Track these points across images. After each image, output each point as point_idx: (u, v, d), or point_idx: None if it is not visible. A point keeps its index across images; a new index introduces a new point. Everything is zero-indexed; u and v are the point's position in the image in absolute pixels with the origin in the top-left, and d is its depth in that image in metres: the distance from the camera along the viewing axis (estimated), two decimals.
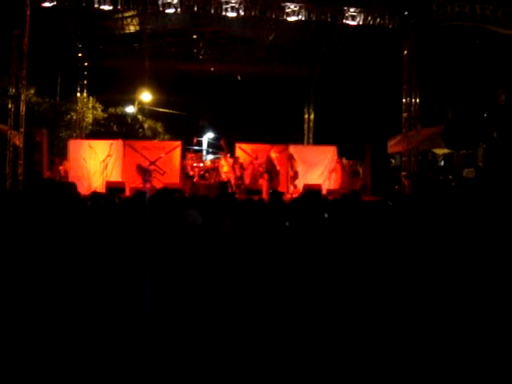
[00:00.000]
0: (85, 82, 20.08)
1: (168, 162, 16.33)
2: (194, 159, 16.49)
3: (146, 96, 28.66)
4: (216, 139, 32.74)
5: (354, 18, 14.49)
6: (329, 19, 14.66)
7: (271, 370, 3.21)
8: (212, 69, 20.85)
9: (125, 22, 17.76)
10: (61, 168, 15.84)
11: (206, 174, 16.17)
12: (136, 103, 28.70)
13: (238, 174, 15.76)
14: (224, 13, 14.03)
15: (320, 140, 20.47)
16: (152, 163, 16.05)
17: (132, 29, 18.27)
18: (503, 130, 15.56)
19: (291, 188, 16.13)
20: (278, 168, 15.92)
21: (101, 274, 3.79)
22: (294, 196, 13.89)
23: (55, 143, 19.54)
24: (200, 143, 32.97)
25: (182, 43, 19.15)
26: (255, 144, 17.40)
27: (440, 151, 19.70)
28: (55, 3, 13.63)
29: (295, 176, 16.25)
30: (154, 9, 14.36)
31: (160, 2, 13.77)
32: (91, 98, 21.82)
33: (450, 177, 17.66)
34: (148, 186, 14.64)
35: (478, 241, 4.41)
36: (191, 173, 15.98)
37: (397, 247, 4.30)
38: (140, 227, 4.30)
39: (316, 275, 3.88)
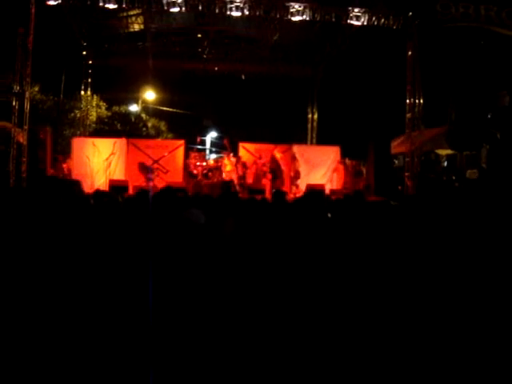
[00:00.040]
0: (89, 80, 20.06)
1: (171, 160, 16.35)
2: (197, 158, 16.51)
3: (149, 95, 28.69)
4: (219, 138, 32.77)
5: (358, 19, 14.48)
6: (333, 19, 14.66)
7: (273, 369, 3.22)
8: (216, 68, 20.84)
9: (129, 21, 17.77)
10: (64, 166, 15.86)
11: (210, 173, 16.20)
12: (140, 102, 28.72)
13: (241, 173, 15.76)
14: (228, 12, 14.04)
15: (323, 140, 20.46)
16: (155, 162, 16.06)
17: (136, 27, 18.28)
18: (507, 132, 15.53)
19: (293, 188, 16.13)
20: (282, 168, 15.93)
21: (104, 272, 3.80)
22: (296, 196, 13.88)
23: (59, 141, 19.56)
24: (203, 142, 32.99)
25: (186, 42, 19.15)
26: (259, 143, 17.42)
27: (443, 152, 19.67)
28: (60, 1, 13.66)
29: (297, 176, 16.23)
30: (158, 7, 14.39)
31: (165, 1, 13.79)
32: (95, 97, 21.85)
33: (454, 178, 17.65)
34: (151, 184, 14.64)
35: (481, 241, 4.41)
36: (194, 172, 16.00)
37: (400, 247, 4.30)
38: (143, 226, 4.31)
39: (319, 275, 3.89)
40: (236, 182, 15.46)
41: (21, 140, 13.94)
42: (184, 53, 19.71)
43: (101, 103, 22.73)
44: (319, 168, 16.75)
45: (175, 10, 14.10)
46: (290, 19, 14.42)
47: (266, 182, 15.61)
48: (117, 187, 13.97)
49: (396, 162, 20.98)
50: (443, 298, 3.69)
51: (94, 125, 21.81)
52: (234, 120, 30.31)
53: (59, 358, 3.20)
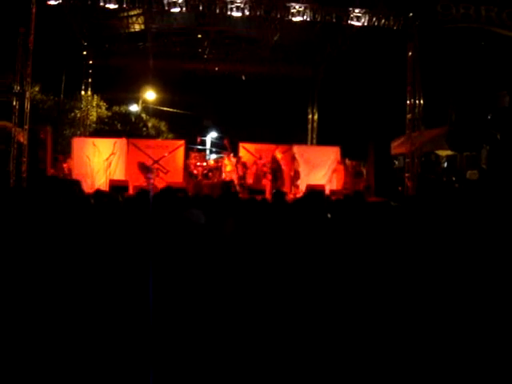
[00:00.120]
0: (89, 80, 20.05)
1: (171, 161, 16.35)
2: (197, 158, 16.53)
3: (150, 95, 28.69)
4: (219, 139, 32.76)
5: (358, 19, 14.47)
6: (334, 20, 14.65)
7: (272, 369, 3.22)
8: (217, 68, 20.83)
9: (130, 21, 17.77)
10: (64, 166, 15.86)
11: (210, 174, 16.21)
12: (140, 102, 28.73)
13: (241, 173, 15.76)
14: (229, 12, 14.04)
15: (323, 140, 20.45)
16: (155, 162, 16.06)
17: (137, 27, 18.28)
18: (507, 132, 15.54)
19: (293, 188, 16.12)
20: (283, 168, 15.93)
21: (104, 272, 3.80)
22: (297, 196, 13.89)
23: (59, 141, 19.57)
24: (203, 142, 32.99)
25: (186, 42, 19.15)
26: (259, 144, 17.42)
27: (443, 153, 19.69)
28: (61, 1, 13.66)
29: (296, 176, 16.22)
30: (159, 8, 14.39)
31: (165, 1, 13.79)
32: (95, 96, 21.87)
33: (454, 178, 17.67)
34: (151, 182, 14.64)
35: (481, 242, 4.42)
36: (195, 172, 16.01)
37: (400, 248, 4.31)
38: (143, 226, 4.31)
39: (319, 275, 3.89)
40: (236, 182, 15.45)
41: (21, 140, 13.94)
42: (184, 53, 19.71)
43: (101, 103, 22.74)
44: (319, 168, 16.74)
45: (176, 10, 14.09)
46: (291, 20, 14.41)
47: (267, 183, 15.61)
48: (117, 187, 13.98)
49: (396, 162, 21.00)
50: (443, 298, 3.69)
51: (94, 125, 21.82)
52: (234, 120, 30.31)
53: (59, 357, 3.20)
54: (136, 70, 21.50)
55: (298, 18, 14.29)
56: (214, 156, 30.47)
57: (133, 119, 25.71)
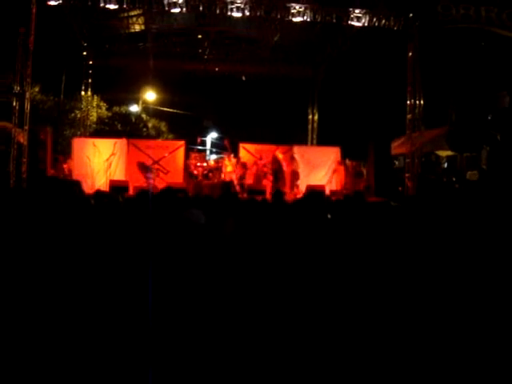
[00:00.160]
0: (89, 80, 20.05)
1: (171, 161, 16.34)
2: (197, 159, 16.53)
3: (150, 95, 28.71)
4: (220, 139, 32.76)
5: (359, 20, 14.46)
6: (334, 20, 14.64)
7: (272, 369, 3.22)
8: (217, 69, 20.83)
9: (130, 21, 17.76)
10: (65, 166, 15.86)
11: (210, 174, 16.22)
12: (140, 102, 28.75)
13: (241, 173, 15.76)
14: (229, 13, 14.02)
15: (324, 141, 20.45)
16: (155, 162, 16.05)
17: (137, 28, 18.28)
18: (507, 133, 15.54)
19: (293, 188, 16.11)
20: (284, 169, 15.92)
21: (104, 273, 3.80)
22: (297, 196, 13.88)
23: (59, 141, 19.57)
24: (204, 143, 32.99)
25: (187, 43, 19.15)
26: (259, 144, 17.41)
27: (443, 153, 19.68)
28: (61, 1, 13.64)
29: (296, 176, 16.21)
30: (159, 8, 14.38)
31: (165, 2, 13.78)
32: (96, 97, 21.87)
33: (454, 179, 17.67)
34: (150, 181, 14.64)
35: (481, 243, 4.42)
36: (195, 172, 16.01)
37: (400, 248, 4.30)
38: (143, 226, 4.31)
39: (319, 275, 3.89)
40: (236, 182, 15.45)
41: (21, 140, 13.93)
42: (185, 53, 19.71)
43: (101, 103, 22.75)
44: (319, 169, 16.74)
45: (176, 10, 14.08)
46: (291, 20, 14.40)
47: (267, 183, 15.61)
48: (117, 187, 13.97)
49: (396, 162, 20.99)
50: (443, 298, 3.69)
51: (94, 125, 21.83)
52: (234, 120, 30.32)
53: (59, 357, 3.20)
54: (136, 71, 21.50)
55: (298, 19, 14.27)
56: (214, 156, 30.46)
57: (133, 120, 25.72)
